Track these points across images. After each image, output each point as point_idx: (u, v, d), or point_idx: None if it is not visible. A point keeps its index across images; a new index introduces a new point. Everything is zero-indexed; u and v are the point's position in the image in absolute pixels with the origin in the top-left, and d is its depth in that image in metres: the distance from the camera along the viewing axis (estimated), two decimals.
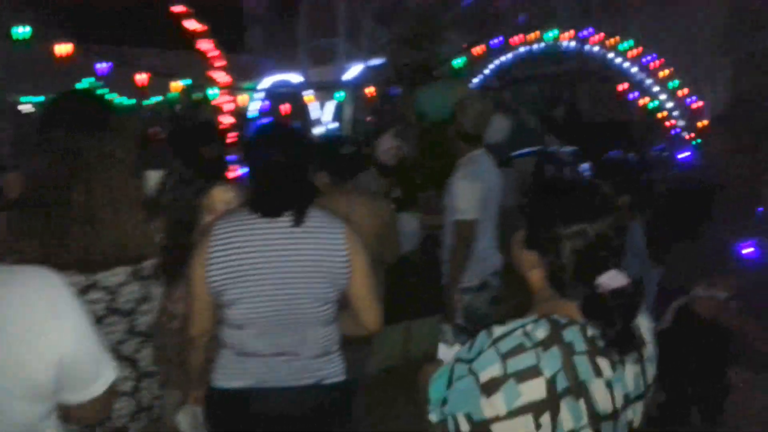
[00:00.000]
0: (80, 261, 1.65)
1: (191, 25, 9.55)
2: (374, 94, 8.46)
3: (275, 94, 11.94)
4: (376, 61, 10.23)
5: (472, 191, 3.12)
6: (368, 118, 9.62)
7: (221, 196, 2.43)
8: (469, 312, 3.18)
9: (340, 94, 11.21)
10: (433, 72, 6.27)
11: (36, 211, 1.65)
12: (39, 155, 1.68)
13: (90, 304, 1.68)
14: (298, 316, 1.93)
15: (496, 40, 7.89)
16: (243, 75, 12.58)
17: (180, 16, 9.48)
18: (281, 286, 1.90)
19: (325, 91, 11.79)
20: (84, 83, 12.72)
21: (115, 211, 1.69)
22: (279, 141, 1.95)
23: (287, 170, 1.92)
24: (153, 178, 2.91)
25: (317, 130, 11.57)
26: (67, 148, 1.65)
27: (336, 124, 11.74)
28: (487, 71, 8.56)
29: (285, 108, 11.53)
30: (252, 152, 1.98)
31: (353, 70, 11.14)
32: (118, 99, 13.09)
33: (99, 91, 12.03)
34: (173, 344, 2.28)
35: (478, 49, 7.63)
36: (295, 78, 12.17)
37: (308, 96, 11.67)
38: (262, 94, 11.37)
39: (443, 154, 4.32)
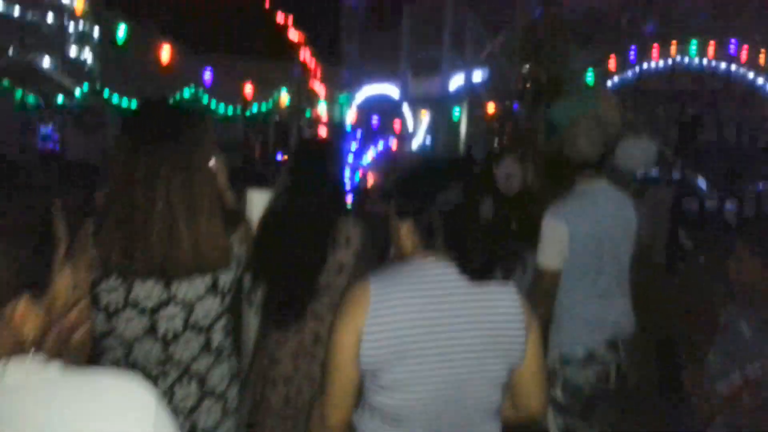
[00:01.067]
0: (159, 268, 1.70)
1: (292, 35, 9.44)
2: (495, 110, 7.67)
3: (373, 107, 11.53)
4: (480, 73, 9.55)
5: (560, 234, 2.54)
6: (496, 141, 8.65)
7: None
8: (570, 389, 2.57)
9: (455, 109, 10.54)
10: (563, 86, 5.44)
11: (117, 218, 1.70)
12: (119, 163, 1.73)
13: (168, 320, 1.75)
14: (468, 408, 1.53)
15: (631, 52, 6.97)
16: (339, 86, 12.35)
17: (281, 27, 9.34)
18: (450, 365, 1.49)
19: (420, 103, 11.25)
20: (187, 91, 13.01)
21: (193, 220, 1.71)
22: (455, 178, 1.57)
23: (472, 215, 1.57)
24: (258, 200, 2.57)
25: (413, 146, 11.04)
26: (146, 157, 1.70)
27: (429, 140, 11.20)
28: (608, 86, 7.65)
29: (388, 125, 11.08)
30: (415, 193, 1.60)
31: (456, 81, 10.49)
32: (221, 108, 13.33)
33: (203, 99, 12.33)
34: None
35: (612, 63, 6.73)
36: (392, 90, 11.71)
37: (423, 111, 11.15)
38: (356, 108, 11.01)
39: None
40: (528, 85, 5.47)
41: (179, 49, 10.44)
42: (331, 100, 11.34)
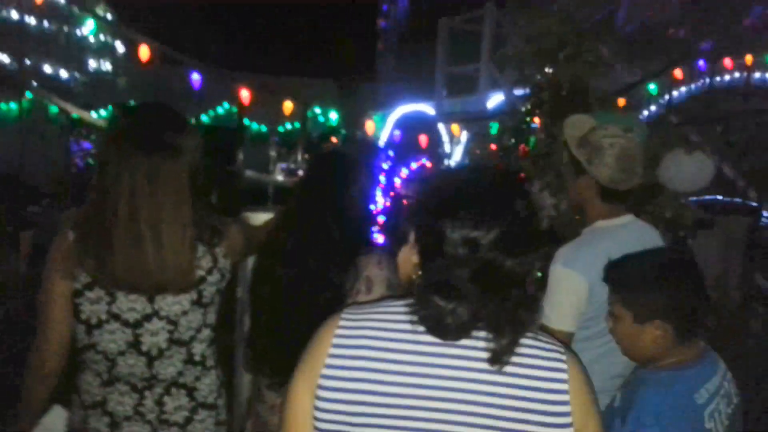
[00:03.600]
0: (128, 282, 1.66)
1: (327, 53, 9.28)
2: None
3: (409, 124, 11.17)
4: (520, 91, 9.06)
5: (575, 288, 2.00)
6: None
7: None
8: None
9: (493, 127, 10.04)
10: (588, 97, 4.60)
11: (90, 228, 1.66)
12: (97, 171, 1.69)
13: (151, 335, 1.71)
14: None
15: (701, 62, 6.36)
16: (374, 104, 12.05)
17: (318, 45, 9.19)
18: None
19: (456, 121, 10.79)
20: (222, 109, 12.95)
21: (158, 232, 1.65)
22: (494, 206, 1.15)
23: (497, 261, 1.13)
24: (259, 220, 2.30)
25: (450, 165, 10.61)
26: (118, 165, 1.65)
27: (466, 159, 10.72)
28: (657, 103, 7.05)
29: (423, 140, 10.66)
30: (430, 222, 1.17)
31: (494, 99, 10.03)
32: (255, 125, 13.21)
33: (239, 118, 12.24)
34: None
35: (678, 73, 6.08)
36: (427, 108, 11.32)
37: (454, 126, 10.69)
38: (391, 124, 10.65)
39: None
40: (544, 95, 4.51)
41: (210, 69, 10.33)
42: (365, 119, 11.06)
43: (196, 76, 8.28)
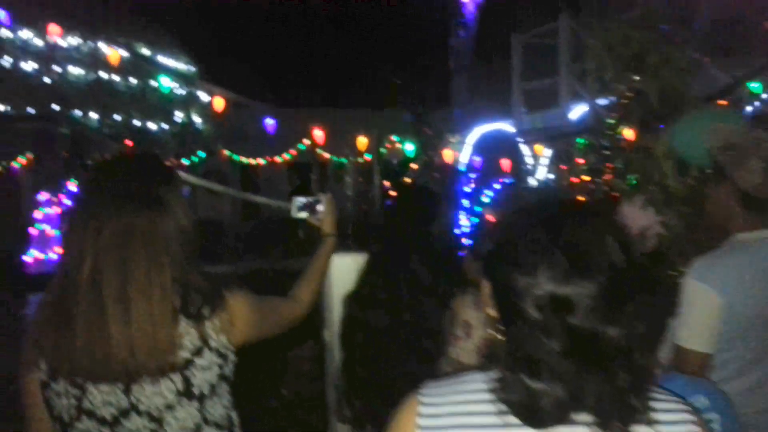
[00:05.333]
0: (89, 369, 1.34)
1: (399, 83, 9.43)
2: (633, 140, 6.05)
3: (489, 146, 10.91)
4: (604, 100, 8.65)
5: (710, 306, 1.81)
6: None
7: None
8: None
9: (578, 141, 9.65)
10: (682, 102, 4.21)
11: (51, 304, 1.40)
12: (63, 235, 1.49)
13: None
14: None
15: None
16: (451, 126, 11.92)
17: (389, 76, 9.34)
18: None
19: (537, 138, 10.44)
20: (300, 146, 13.23)
21: (129, 304, 1.34)
22: (587, 252, 0.92)
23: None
24: (343, 267, 2.09)
25: (533, 184, 10.28)
26: (84, 224, 1.38)
27: (552, 177, 10.32)
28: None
29: (505, 164, 10.36)
30: (505, 275, 0.98)
31: (577, 111, 9.66)
32: (335, 159, 13.41)
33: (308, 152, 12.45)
34: None
35: None
36: (506, 126, 11.06)
37: (537, 147, 10.37)
38: (470, 147, 10.45)
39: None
40: (632, 105, 4.08)
41: (283, 111, 10.63)
42: (443, 144, 10.95)
43: (270, 121, 8.52)
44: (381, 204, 11.74)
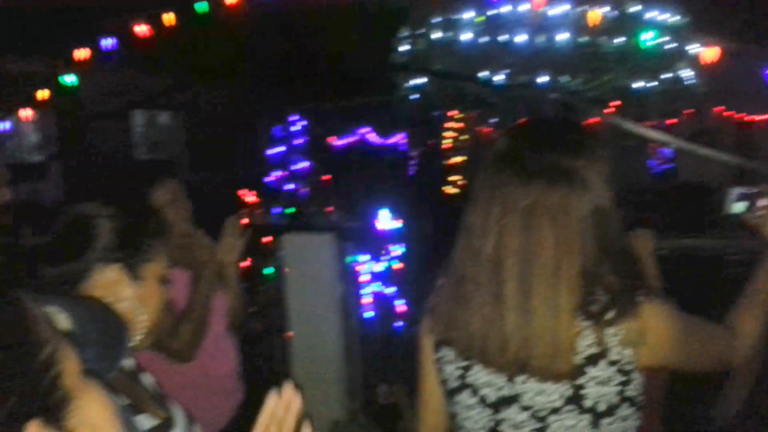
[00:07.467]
0: (482, 350, 1.27)
1: None
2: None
3: None
4: None
5: None
6: None
7: None
8: None
9: None
10: None
11: (452, 274, 1.36)
12: (467, 207, 1.37)
13: (514, 429, 1.28)
14: None
15: None
16: None
17: None
18: None
19: None
20: None
21: (530, 292, 1.22)
22: None
23: None
24: None
25: None
26: (488, 198, 1.31)
27: None
28: None
29: None
30: None
31: None
32: None
33: None
34: None
35: None
36: None
37: None
38: None
39: None
40: None
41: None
42: None
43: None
44: None
